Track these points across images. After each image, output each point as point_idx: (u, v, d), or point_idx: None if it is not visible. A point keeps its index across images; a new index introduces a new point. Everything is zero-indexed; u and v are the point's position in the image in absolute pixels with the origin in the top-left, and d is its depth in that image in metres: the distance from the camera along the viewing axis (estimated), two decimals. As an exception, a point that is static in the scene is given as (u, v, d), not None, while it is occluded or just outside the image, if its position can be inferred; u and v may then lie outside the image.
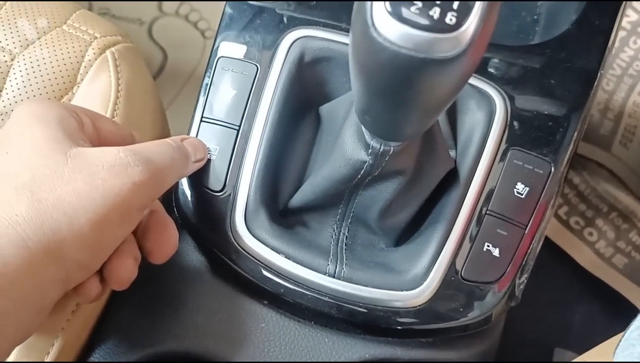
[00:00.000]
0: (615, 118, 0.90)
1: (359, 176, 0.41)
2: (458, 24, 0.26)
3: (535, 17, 0.58)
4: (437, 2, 0.26)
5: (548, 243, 0.85)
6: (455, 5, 0.26)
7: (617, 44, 0.93)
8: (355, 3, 0.28)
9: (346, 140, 0.40)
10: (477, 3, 0.26)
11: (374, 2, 0.27)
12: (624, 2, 0.52)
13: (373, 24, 0.27)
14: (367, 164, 0.40)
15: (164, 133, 0.57)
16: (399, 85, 0.29)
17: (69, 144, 0.35)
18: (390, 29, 0.26)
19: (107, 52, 0.52)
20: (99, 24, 0.54)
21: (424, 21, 0.26)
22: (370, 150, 0.39)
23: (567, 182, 0.87)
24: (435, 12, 0.26)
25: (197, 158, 0.44)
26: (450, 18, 0.26)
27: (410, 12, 0.26)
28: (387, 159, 0.39)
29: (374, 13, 0.27)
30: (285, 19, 0.49)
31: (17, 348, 0.42)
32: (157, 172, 0.37)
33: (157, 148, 0.39)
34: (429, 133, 0.43)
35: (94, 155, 0.35)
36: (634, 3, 0.92)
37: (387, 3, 0.26)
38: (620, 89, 0.92)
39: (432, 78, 0.28)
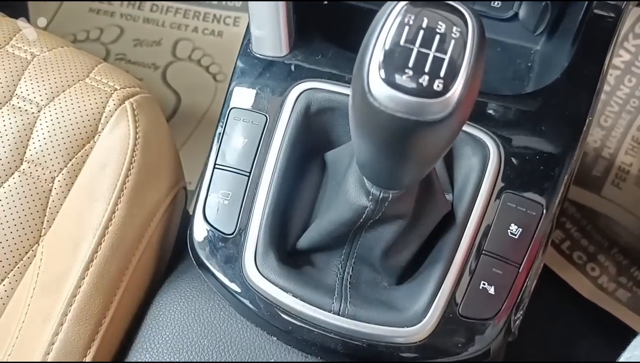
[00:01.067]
0: (610, 156, 0.92)
1: (361, 220, 0.44)
2: (445, 90, 0.29)
3: (529, 63, 0.62)
4: (426, 71, 0.29)
5: (553, 276, 0.86)
6: (442, 73, 0.29)
7: (612, 82, 0.96)
8: (354, 70, 0.32)
9: (349, 187, 0.43)
10: (462, 71, 0.30)
11: (370, 71, 0.30)
12: (611, 51, 0.55)
13: (369, 90, 0.30)
14: (368, 209, 0.43)
15: (178, 176, 0.60)
16: (394, 143, 0.32)
17: None
18: (384, 94, 0.30)
19: (126, 103, 0.56)
20: (119, 76, 0.58)
21: (414, 88, 0.29)
22: (371, 197, 0.42)
23: (569, 217, 0.89)
24: (425, 79, 0.29)
25: None
26: (438, 85, 0.29)
27: (402, 79, 0.29)
28: (386, 204, 0.42)
29: (370, 80, 0.30)
30: (293, 68, 0.52)
31: None
32: None
33: None
34: (427, 179, 0.45)
35: None
36: (625, 44, 0.95)
37: (382, 71, 0.30)
38: (619, 124, 0.95)
39: (424, 137, 0.31)
